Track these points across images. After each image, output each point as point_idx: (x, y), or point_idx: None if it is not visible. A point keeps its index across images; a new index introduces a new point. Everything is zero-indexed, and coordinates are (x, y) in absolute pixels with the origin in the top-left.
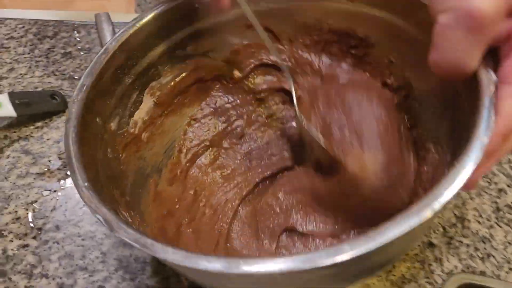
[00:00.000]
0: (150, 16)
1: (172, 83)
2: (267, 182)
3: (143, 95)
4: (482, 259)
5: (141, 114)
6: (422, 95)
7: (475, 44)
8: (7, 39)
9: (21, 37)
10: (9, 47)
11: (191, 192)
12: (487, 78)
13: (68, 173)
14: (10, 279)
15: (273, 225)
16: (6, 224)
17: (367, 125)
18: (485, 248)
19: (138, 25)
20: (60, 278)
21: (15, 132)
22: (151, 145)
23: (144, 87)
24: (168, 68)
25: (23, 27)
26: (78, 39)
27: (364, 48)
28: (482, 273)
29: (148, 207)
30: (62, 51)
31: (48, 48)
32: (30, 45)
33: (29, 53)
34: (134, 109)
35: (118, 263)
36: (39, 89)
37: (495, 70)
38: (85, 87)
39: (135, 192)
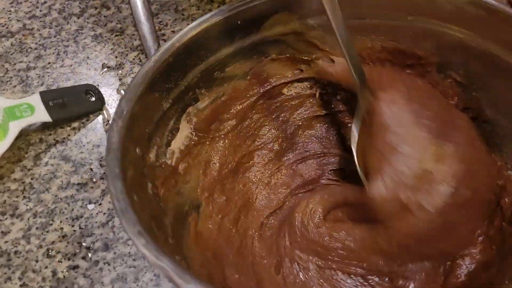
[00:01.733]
0: (188, 36)
1: (209, 109)
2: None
3: (180, 122)
4: None
5: (177, 143)
6: (497, 118)
7: None
8: (29, 18)
9: (45, 15)
10: (33, 28)
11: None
12: None
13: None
14: None
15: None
16: (53, 242)
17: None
18: None
19: (177, 44)
20: None
21: (50, 134)
22: (188, 178)
23: (181, 113)
24: (205, 91)
25: (45, 2)
26: (108, 18)
27: (422, 67)
28: None
29: (191, 250)
30: (92, 33)
31: (76, 30)
32: (56, 25)
33: (55, 36)
34: (171, 138)
35: (173, 286)
36: (71, 81)
37: None
38: (124, 112)
39: (177, 233)
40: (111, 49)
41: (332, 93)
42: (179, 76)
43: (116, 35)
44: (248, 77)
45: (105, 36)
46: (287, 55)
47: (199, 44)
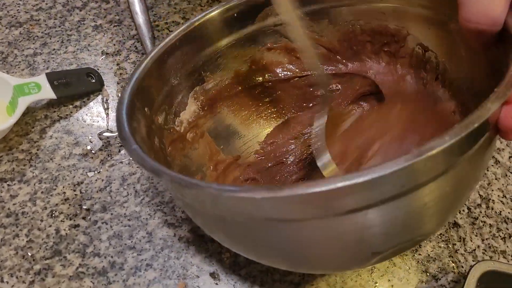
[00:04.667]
0: (197, 23)
1: (214, 90)
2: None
3: (188, 98)
4: (503, 239)
5: (186, 115)
6: (458, 77)
7: None
8: (36, 10)
9: (50, 8)
10: (39, 19)
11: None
12: None
13: (109, 155)
14: (65, 257)
15: None
16: (56, 205)
17: None
18: (507, 229)
19: (183, 32)
20: (112, 257)
21: (55, 112)
22: (196, 146)
23: (189, 90)
24: (210, 75)
25: None
26: (108, 11)
27: (397, 43)
28: (503, 252)
29: None
30: (93, 24)
31: (79, 21)
32: (60, 17)
33: (60, 26)
34: (180, 109)
35: (163, 243)
36: (74, 65)
37: None
38: (134, 79)
39: None
40: (110, 38)
41: None
42: (186, 58)
43: (115, 26)
44: (248, 64)
45: (105, 27)
46: (281, 44)
47: (201, 32)
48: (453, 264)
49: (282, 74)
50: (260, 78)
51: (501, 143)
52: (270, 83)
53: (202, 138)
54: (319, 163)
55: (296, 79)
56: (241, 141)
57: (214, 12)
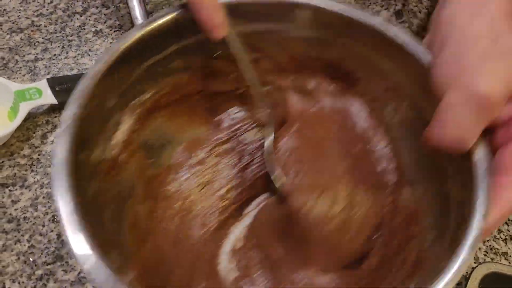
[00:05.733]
0: (140, 33)
1: (151, 100)
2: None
3: (123, 115)
4: (505, 240)
5: (119, 136)
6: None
7: (478, 123)
8: (37, 16)
9: (51, 13)
10: (40, 25)
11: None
12: (483, 160)
13: None
14: (67, 263)
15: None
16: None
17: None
18: (508, 230)
19: (123, 47)
20: None
21: (56, 117)
22: (126, 166)
23: (124, 106)
24: (152, 83)
25: (51, 2)
26: (108, 16)
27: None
28: (504, 254)
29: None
30: (93, 29)
31: (79, 26)
32: (61, 22)
33: (60, 32)
34: (113, 132)
35: None
36: (75, 70)
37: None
38: (73, 116)
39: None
40: (110, 42)
41: None
42: (125, 75)
43: (115, 31)
44: (190, 72)
45: (105, 32)
46: (226, 53)
47: (144, 44)
48: None
49: (225, 83)
50: (201, 87)
51: None
52: (211, 92)
53: (133, 157)
54: (272, 176)
55: (239, 90)
56: (175, 150)
57: (156, 23)
